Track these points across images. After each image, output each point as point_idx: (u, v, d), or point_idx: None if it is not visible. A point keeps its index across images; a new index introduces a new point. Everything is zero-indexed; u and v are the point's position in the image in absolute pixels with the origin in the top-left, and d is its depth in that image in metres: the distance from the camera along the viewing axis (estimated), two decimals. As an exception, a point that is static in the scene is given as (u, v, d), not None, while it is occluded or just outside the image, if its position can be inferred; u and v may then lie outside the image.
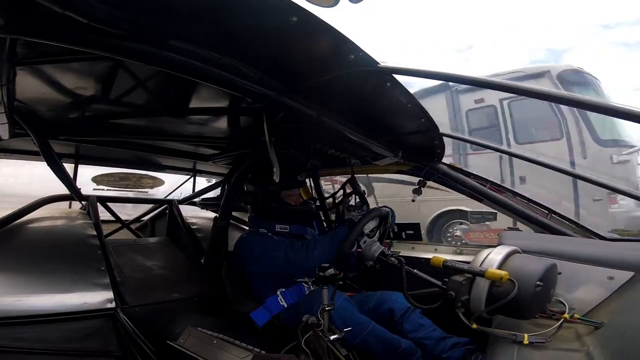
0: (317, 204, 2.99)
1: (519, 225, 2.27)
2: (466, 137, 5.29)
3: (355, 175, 2.72)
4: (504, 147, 5.75)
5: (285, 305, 2.13)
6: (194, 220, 2.98)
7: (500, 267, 1.25)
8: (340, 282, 1.88)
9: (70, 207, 2.65)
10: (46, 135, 2.02)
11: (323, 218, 3.14)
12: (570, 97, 1.35)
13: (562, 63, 7.28)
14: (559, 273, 1.32)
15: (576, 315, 1.24)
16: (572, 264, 1.44)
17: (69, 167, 2.41)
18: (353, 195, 2.76)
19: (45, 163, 2.12)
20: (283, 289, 2.17)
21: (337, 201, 2.97)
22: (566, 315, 1.24)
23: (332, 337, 1.51)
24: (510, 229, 2.89)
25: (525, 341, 1.14)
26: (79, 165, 2.67)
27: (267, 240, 2.24)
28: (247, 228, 3.19)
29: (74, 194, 2.32)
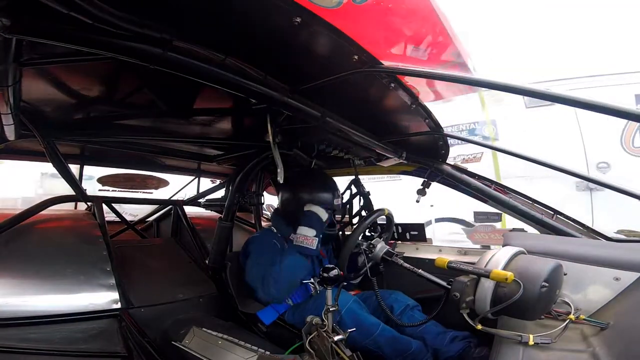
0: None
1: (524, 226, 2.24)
2: (469, 137, 5.25)
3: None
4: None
5: (292, 304, 2.14)
6: (198, 221, 2.98)
7: (505, 267, 1.25)
8: (344, 283, 1.89)
9: (75, 207, 2.66)
10: (52, 135, 2.02)
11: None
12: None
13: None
14: (565, 274, 1.31)
15: (582, 316, 1.24)
16: (578, 264, 1.43)
17: (74, 168, 2.40)
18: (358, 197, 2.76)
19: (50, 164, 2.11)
20: None
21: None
22: (572, 316, 1.24)
23: (336, 338, 1.51)
24: (515, 230, 2.87)
25: (531, 342, 1.13)
26: (84, 166, 2.68)
27: (266, 248, 2.22)
28: (250, 229, 3.21)
29: (80, 195, 2.31)
